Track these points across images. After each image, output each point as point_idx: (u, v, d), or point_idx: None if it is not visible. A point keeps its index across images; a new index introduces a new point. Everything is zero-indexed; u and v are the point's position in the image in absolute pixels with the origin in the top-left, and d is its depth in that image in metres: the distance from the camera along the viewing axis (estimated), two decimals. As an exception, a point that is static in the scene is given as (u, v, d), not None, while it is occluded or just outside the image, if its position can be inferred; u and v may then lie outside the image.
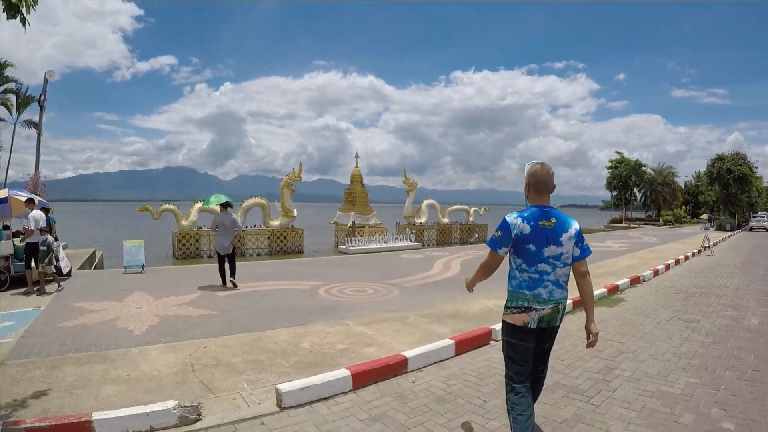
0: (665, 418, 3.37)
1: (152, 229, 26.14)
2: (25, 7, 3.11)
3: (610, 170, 53.60)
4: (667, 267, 11.23)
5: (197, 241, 17.64)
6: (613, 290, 8.13)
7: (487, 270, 2.83)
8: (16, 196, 8.94)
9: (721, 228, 33.51)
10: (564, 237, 2.63)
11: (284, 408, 3.46)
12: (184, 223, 17.59)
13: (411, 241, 21.69)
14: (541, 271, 2.64)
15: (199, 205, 17.71)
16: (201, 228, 18.29)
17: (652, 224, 43.60)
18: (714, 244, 15.98)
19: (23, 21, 3.12)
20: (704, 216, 41.54)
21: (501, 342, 2.91)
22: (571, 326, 5.92)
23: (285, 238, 19.84)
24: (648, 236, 23.93)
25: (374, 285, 8.68)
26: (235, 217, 8.69)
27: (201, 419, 3.27)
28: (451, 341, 4.83)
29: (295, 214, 20.38)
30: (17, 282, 8.19)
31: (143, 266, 10.21)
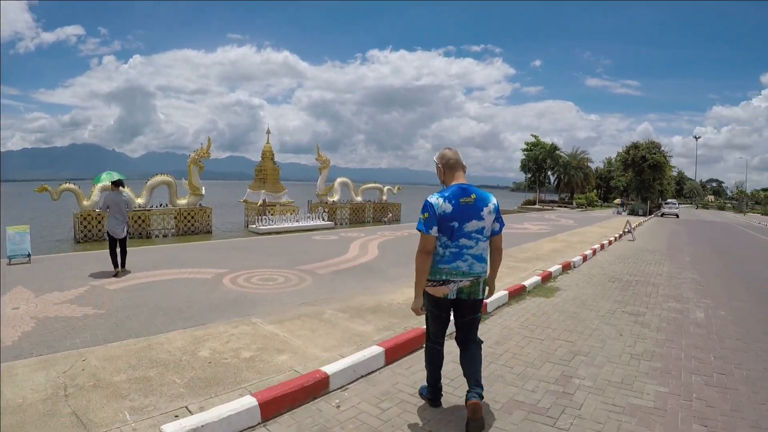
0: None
1: (57, 210, 22.38)
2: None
3: (526, 152, 54.81)
4: (594, 252, 11.00)
5: (99, 222, 15.58)
6: (547, 278, 7.52)
7: (425, 256, 2.75)
8: None
9: (633, 213, 35.15)
10: (485, 211, 2.74)
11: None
12: (85, 203, 15.68)
13: (324, 220, 20.83)
14: (462, 245, 2.74)
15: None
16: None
17: (566, 207, 45.16)
18: (634, 228, 16.19)
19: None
20: (617, 201, 43.91)
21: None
22: (511, 322, 5.08)
23: (193, 217, 18.20)
24: (565, 219, 24.56)
25: (285, 272, 7.43)
26: (128, 198, 7.94)
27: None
28: (381, 348, 3.85)
29: (204, 192, 18.81)
30: None
31: (29, 255, 8.36)
